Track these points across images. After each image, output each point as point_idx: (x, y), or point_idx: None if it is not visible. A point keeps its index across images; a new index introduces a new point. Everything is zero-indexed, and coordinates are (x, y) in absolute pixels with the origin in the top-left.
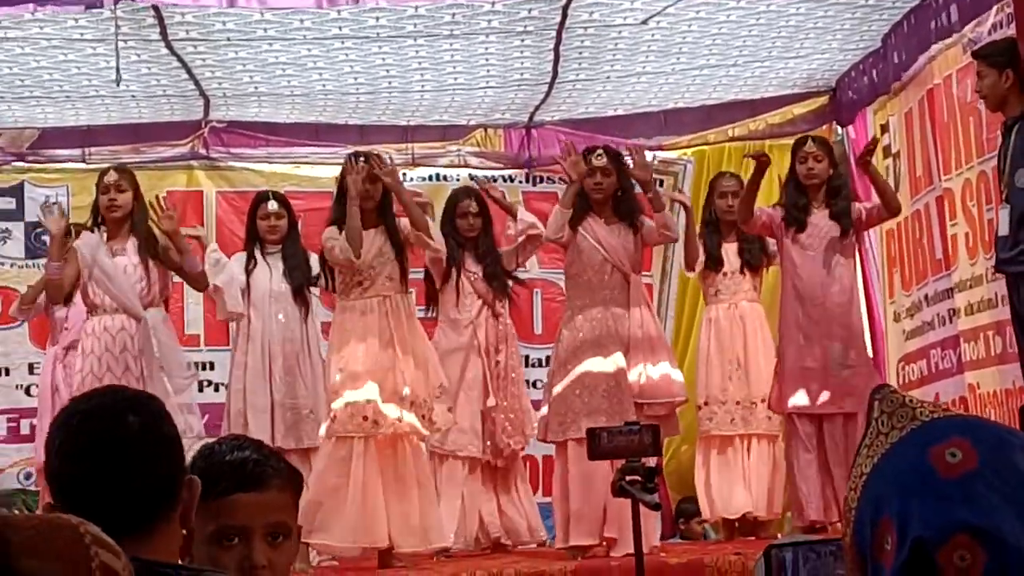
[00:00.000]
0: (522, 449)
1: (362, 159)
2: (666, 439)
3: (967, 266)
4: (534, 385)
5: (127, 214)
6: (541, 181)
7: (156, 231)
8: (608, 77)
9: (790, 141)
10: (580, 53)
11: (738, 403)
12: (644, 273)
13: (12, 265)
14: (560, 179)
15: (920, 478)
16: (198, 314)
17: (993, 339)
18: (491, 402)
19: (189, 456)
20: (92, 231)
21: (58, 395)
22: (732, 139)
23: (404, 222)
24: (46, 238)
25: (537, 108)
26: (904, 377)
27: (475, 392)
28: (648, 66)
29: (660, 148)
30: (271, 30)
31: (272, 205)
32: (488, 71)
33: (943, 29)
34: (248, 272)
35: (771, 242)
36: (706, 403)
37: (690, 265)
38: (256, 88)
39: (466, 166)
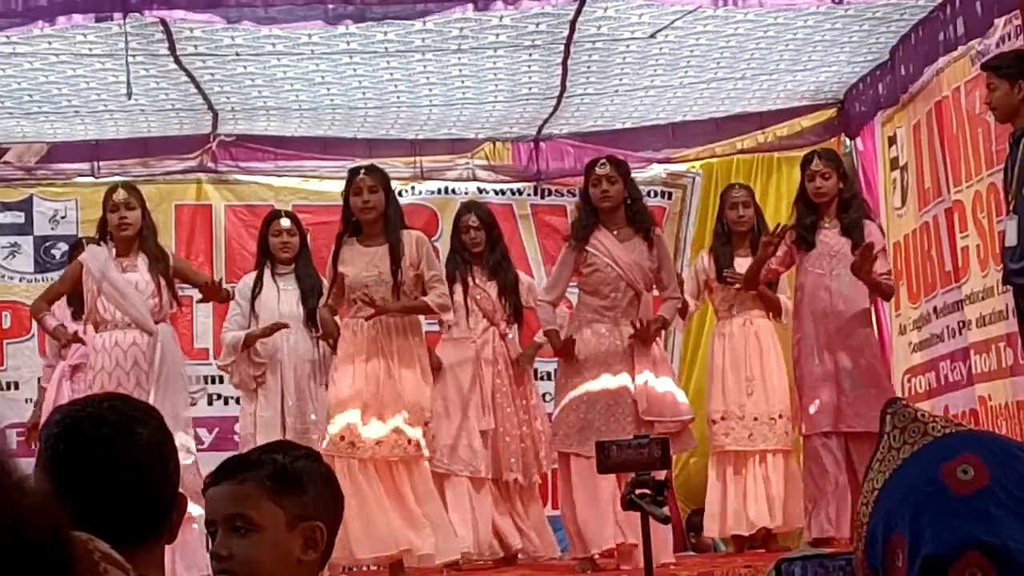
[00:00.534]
0: (541, 473)
1: (362, 171)
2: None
3: (978, 278)
4: (543, 398)
5: (137, 231)
6: (550, 194)
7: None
8: (616, 91)
9: (798, 154)
10: (588, 67)
11: (756, 419)
12: None
13: (21, 279)
14: (568, 192)
15: (931, 494)
16: (207, 327)
17: (1004, 351)
18: (488, 424)
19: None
20: (99, 244)
21: None
22: (740, 151)
23: (410, 237)
24: (55, 252)
25: (546, 121)
26: (911, 390)
27: (474, 412)
28: (656, 79)
29: (668, 161)
30: (279, 45)
31: (285, 222)
32: (496, 85)
33: (951, 41)
34: (255, 294)
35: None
36: (722, 418)
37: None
38: (264, 102)
39: (475, 179)
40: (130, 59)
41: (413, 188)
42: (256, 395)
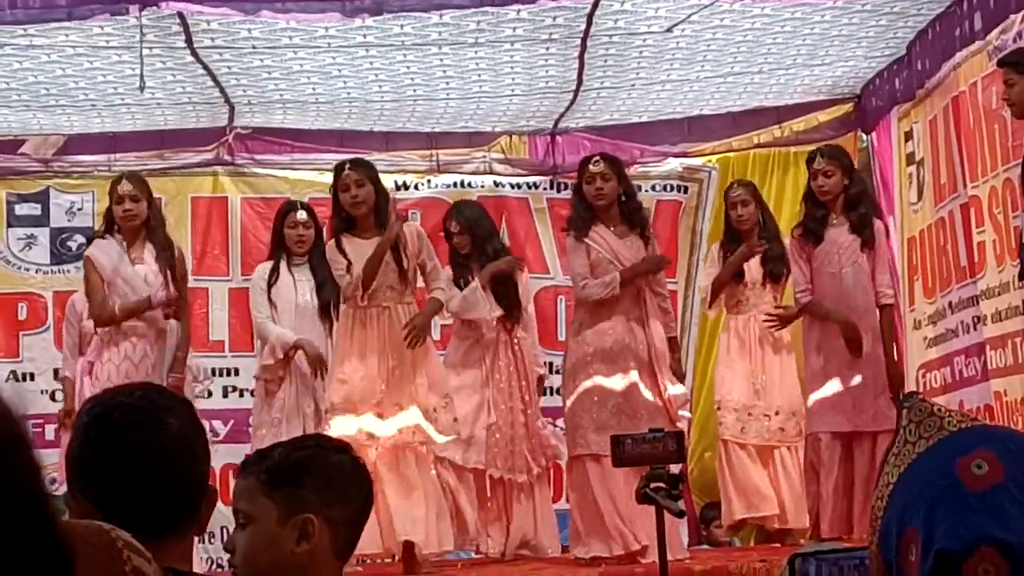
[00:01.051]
0: (545, 470)
1: (347, 166)
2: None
3: (994, 273)
4: (557, 392)
5: (143, 222)
6: (566, 188)
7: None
8: (633, 84)
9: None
10: (605, 61)
11: (766, 415)
12: (669, 280)
13: (37, 271)
14: None
15: (946, 490)
16: (223, 319)
17: (1020, 346)
18: (492, 419)
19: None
20: (104, 238)
21: None
22: (757, 146)
23: (410, 228)
24: (71, 244)
25: (562, 115)
26: (926, 385)
27: (475, 405)
28: (673, 73)
29: (685, 155)
30: (296, 38)
31: (301, 215)
32: (513, 79)
33: (967, 36)
34: (270, 284)
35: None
36: (734, 410)
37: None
38: (281, 95)
39: (491, 173)
40: (147, 52)
41: (429, 181)
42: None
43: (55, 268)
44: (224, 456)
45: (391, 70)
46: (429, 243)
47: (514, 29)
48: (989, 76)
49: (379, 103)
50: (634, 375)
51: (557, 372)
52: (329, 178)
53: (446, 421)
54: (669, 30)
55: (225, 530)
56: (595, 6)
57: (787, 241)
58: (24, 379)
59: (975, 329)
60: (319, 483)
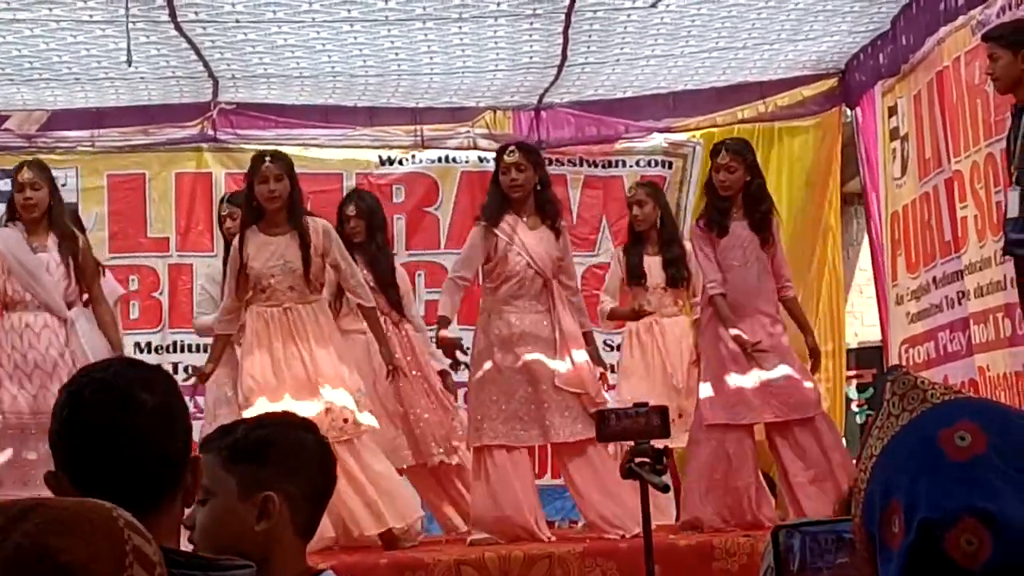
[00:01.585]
0: (449, 457)
1: (267, 159)
2: None
3: (976, 248)
4: None
5: (44, 211)
6: (551, 164)
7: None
8: (617, 60)
9: (799, 123)
10: (589, 36)
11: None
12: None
13: None
14: (569, 161)
15: (929, 461)
16: None
17: (1003, 321)
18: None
19: None
20: (7, 226)
21: None
22: (741, 121)
23: (316, 226)
24: None
25: (546, 91)
26: (909, 360)
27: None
28: (657, 49)
29: (669, 130)
30: (280, 12)
31: (349, 209)
32: (497, 54)
33: (952, 11)
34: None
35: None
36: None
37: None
38: (265, 70)
39: (475, 148)
40: (130, 26)
41: (414, 157)
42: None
43: None
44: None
45: (375, 45)
46: (339, 240)
47: (498, 4)
48: (972, 51)
49: (363, 78)
50: (542, 361)
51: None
52: (314, 153)
53: (365, 414)
54: (653, 5)
55: None
56: None
57: (688, 244)
58: None
59: (959, 304)
60: (281, 461)
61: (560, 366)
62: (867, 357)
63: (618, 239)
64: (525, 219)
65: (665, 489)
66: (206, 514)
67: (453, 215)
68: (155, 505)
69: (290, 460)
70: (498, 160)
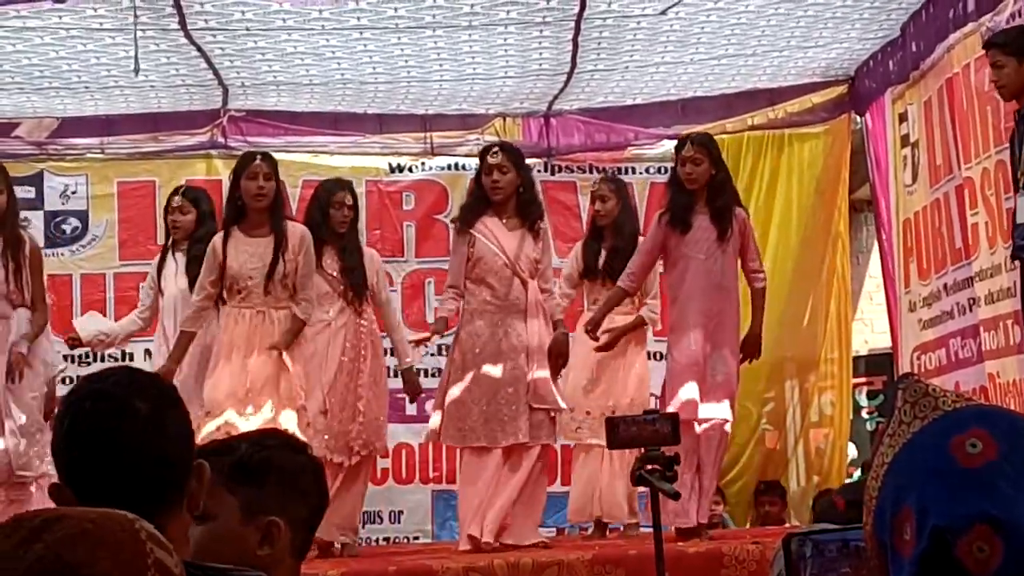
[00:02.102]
0: (370, 456)
1: (259, 158)
2: None
3: (987, 255)
4: None
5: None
6: (560, 170)
7: (24, 234)
8: (627, 67)
9: (809, 130)
10: (599, 43)
11: (603, 413)
12: None
13: None
14: (579, 168)
15: (941, 468)
16: None
17: (1013, 328)
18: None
19: None
20: None
21: None
22: (751, 128)
23: (294, 231)
24: (65, 227)
25: (556, 97)
26: (921, 367)
27: (320, 393)
28: (667, 56)
29: (678, 137)
30: (290, 19)
31: (347, 199)
32: (507, 61)
33: (961, 18)
34: (160, 269)
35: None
36: (571, 410)
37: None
38: (275, 77)
39: None
40: (140, 34)
41: (423, 164)
42: None
43: (49, 251)
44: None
45: (385, 52)
46: (311, 251)
47: (508, 11)
48: (982, 58)
49: (373, 85)
50: (521, 366)
51: None
52: (323, 160)
53: (319, 418)
54: (663, 12)
55: None
56: None
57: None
58: None
59: (970, 311)
60: (282, 484)
61: (525, 375)
62: (877, 364)
63: None
64: (504, 220)
65: (675, 496)
66: (204, 533)
67: None
68: (159, 513)
69: (292, 483)
70: (481, 160)
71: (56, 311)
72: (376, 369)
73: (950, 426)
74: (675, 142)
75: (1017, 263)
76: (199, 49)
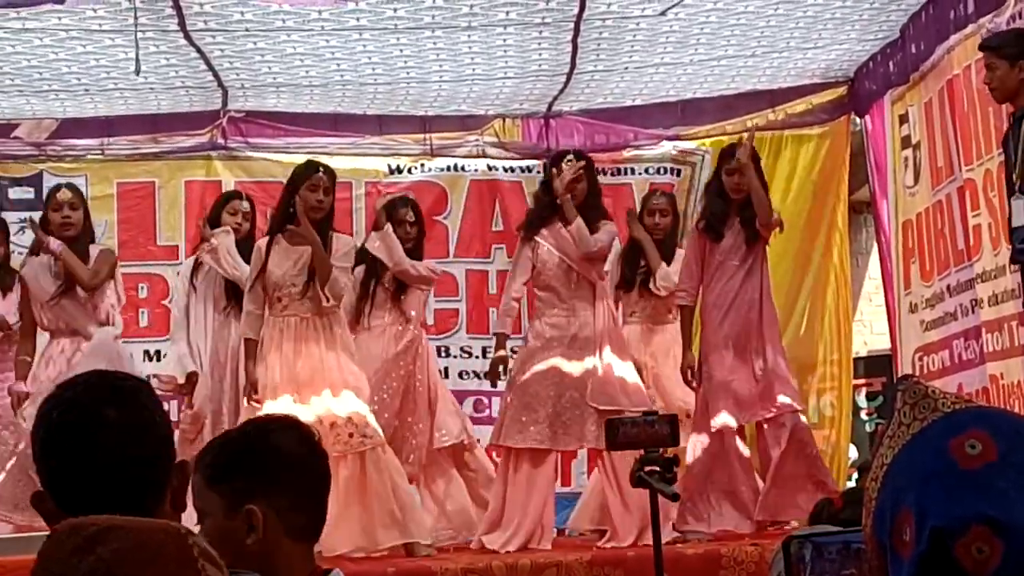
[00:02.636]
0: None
1: (321, 170)
2: None
3: (990, 256)
4: None
5: (79, 232)
6: (559, 172)
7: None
8: (626, 68)
9: (808, 132)
10: (598, 44)
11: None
12: None
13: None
14: None
15: (939, 469)
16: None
17: (1016, 329)
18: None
19: None
20: (37, 253)
21: None
22: (750, 130)
23: (340, 240)
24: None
25: (556, 98)
26: (923, 368)
27: (382, 400)
28: (666, 57)
29: (678, 138)
30: (289, 20)
31: (243, 204)
32: (506, 62)
33: (961, 20)
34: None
35: None
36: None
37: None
38: (274, 78)
39: (484, 156)
40: (140, 35)
41: (423, 165)
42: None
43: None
44: None
45: (384, 53)
46: (351, 252)
47: (507, 12)
48: (983, 59)
49: (372, 86)
50: (588, 363)
51: None
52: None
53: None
54: (663, 13)
55: None
56: None
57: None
58: None
59: (973, 312)
60: (258, 471)
61: (591, 370)
62: (876, 365)
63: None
64: (563, 224)
65: (674, 498)
66: (203, 533)
67: (462, 224)
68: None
69: (268, 468)
70: (554, 167)
71: None
72: (430, 374)
73: (949, 427)
74: (674, 143)
75: (1018, 265)
76: (198, 50)
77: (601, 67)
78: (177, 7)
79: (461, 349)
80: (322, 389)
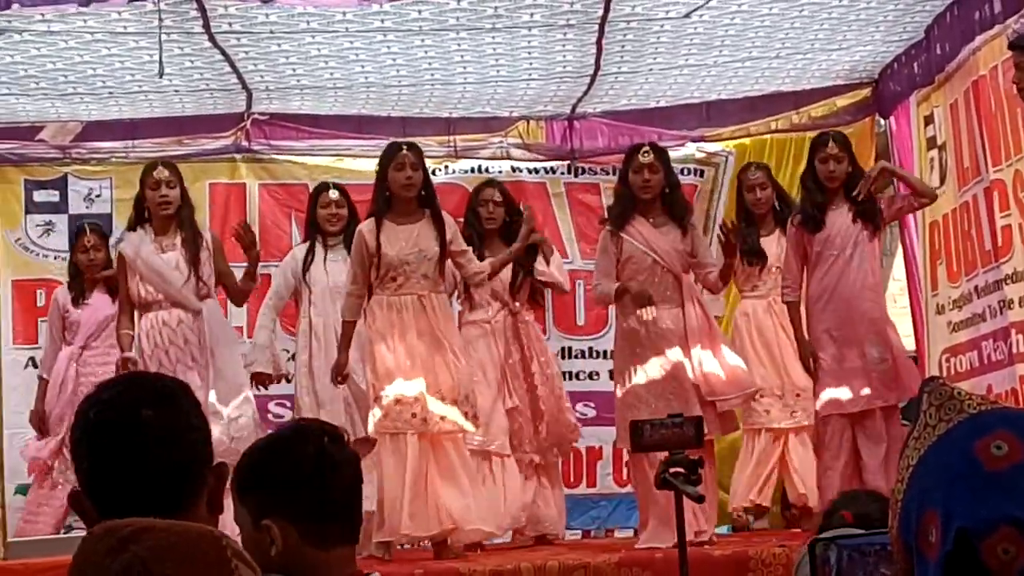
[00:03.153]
0: (558, 458)
1: (405, 147)
2: None
3: (1020, 257)
4: (577, 376)
5: (177, 210)
6: (583, 172)
7: (202, 229)
8: (651, 69)
9: None
10: (623, 46)
11: (798, 395)
12: None
13: (56, 257)
14: (602, 170)
15: (965, 470)
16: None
17: None
18: (510, 403)
19: None
20: (135, 229)
21: (64, 391)
22: (774, 131)
23: (446, 215)
24: None
25: (580, 100)
26: (951, 369)
27: (497, 390)
28: (691, 58)
29: (702, 139)
30: (313, 23)
31: (333, 194)
32: (531, 63)
33: (987, 20)
34: (306, 266)
35: None
36: (761, 396)
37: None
38: (299, 81)
39: (508, 158)
40: (164, 37)
41: (447, 167)
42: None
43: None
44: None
45: (408, 55)
46: (459, 233)
47: (531, 14)
48: (1009, 60)
49: (396, 88)
50: (680, 356)
51: (576, 356)
52: (347, 164)
53: (483, 405)
54: (687, 15)
55: None
56: None
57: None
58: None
59: (1001, 313)
60: (272, 485)
61: (699, 369)
62: None
63: None
64: (651, 220)
65: (699, 499)
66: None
67: None
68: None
69: (285, 481)
70: (629, 159)
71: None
72: (545, 366)
73: (975, 429)
74: (698, 144)
75: None
76: (223, 53)
77: (625, 69)
78: (202, 9)
79: None
80: (439, 364)
